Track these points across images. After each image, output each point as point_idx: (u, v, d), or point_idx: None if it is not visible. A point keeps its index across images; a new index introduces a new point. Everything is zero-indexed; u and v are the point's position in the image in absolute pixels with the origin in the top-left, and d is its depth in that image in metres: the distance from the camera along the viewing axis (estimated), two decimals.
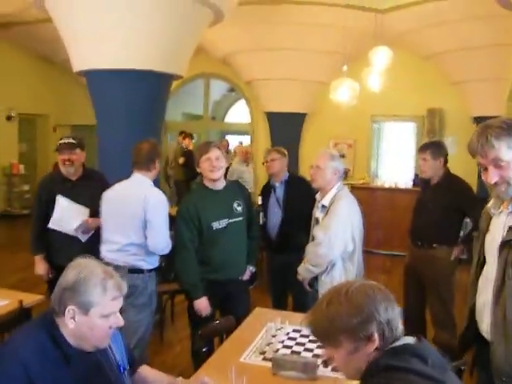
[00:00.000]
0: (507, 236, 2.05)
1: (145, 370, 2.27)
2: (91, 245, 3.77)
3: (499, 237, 2.10)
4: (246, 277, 3.74)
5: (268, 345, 2.79)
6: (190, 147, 10.00)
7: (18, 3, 6.90)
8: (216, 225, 3.48)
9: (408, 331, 1.61)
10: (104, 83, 4.94)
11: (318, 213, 3.73)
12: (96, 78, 4.98)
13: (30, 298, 3.37)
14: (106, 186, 4.12)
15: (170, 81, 5.29)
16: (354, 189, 9.27)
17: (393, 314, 1.54)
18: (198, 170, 3.51)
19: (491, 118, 2.21)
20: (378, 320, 1.51)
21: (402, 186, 9.14)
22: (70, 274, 1.80)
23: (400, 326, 1.56)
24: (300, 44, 8.35)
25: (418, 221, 4.41)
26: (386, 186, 9.32)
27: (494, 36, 7.64)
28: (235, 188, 3.74)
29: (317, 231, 3.55)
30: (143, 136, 5.15)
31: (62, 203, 3.99)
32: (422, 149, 4.32)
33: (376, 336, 1.51)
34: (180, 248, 3.48)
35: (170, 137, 12.37)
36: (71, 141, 4.10)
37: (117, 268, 2.68)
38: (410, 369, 1.45)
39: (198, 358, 2.74)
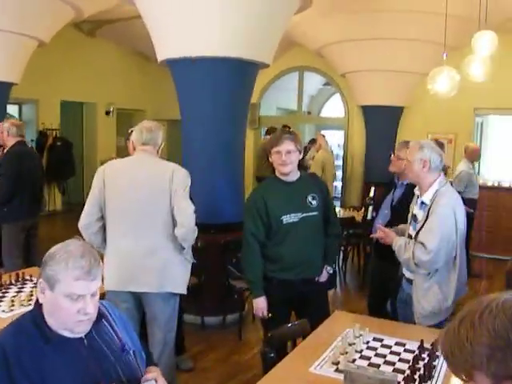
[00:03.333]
0: None
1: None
2: None
3: None
4: (322, 278, 3.41)
5: (343, 354, 2.51)
6: None
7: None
8: (286, 219, 3.22)
9: None
10: (187, 72, 4.86)
11: (416, 209, 3.32)
12: (180, 67, 4.90)
13: None
14: None
15: (256, 69, 5.12)
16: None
17: None
18: (270, 159, 3.29)
19: None
20: None
21: (506, 184, 8.44)
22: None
23: None
24: (396, 33, 7.87)
25: None
26: (489, 184, 8.60)
27: None
28: (310, 180, 3.46)
29: (425, 236, 3.06)
30: (228, 127, 5.07)
31: None
32: None
33: None
34: (243, 242, 3.31)
35: (264, 131, 12.27)
36: None
37: None
38: None
39: (266, 363, 2.52)
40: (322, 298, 3.47)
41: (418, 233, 3.16)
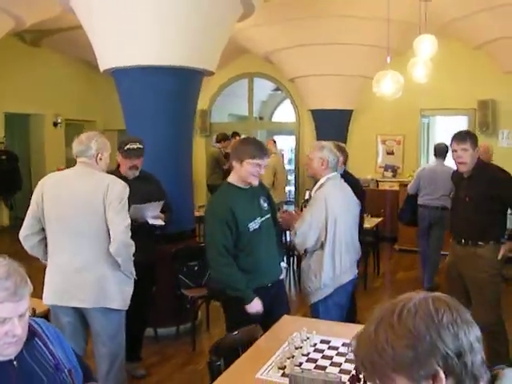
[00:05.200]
0: None
1: None
2: None
3: None
4: (282, 275, 3.55)
5: (290, 358, 2.52)
6: (228, 150, 9.60)
7: (54, 9, 6.91)
8: (253, 225, 3.24)
9: None
10: (131, 81, 4.80)
11: None
12: (123, 76, 4.84)
13: None
14: (159, 185, 4.35)
15: (200, 77, 5.09)
16: (403, 186, 8.88)
17: (467, 342, 1.08)
18: (239, 166, 3.21)
19: None
20: (442, 352, 1.06)
21: None
22: None
23: (481, 358, 1.11)
24: (341, 38, 7.98)
25: (457, 217, 4.06)
26: None
27: None
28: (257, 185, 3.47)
29: (297, 222, 3.56)
30: (174, 135, 5.03)
31: None
32: (460, 138, 3.82)
33: (442, 375, 1.06)
34: (214, 258, 3.23)
35: (216, 139, 12.20)
36: (140, 146, 4.09)
37: None
38: None
39: (213, 372, 2.49)
40: (285, 294, 3.66)
41: None
